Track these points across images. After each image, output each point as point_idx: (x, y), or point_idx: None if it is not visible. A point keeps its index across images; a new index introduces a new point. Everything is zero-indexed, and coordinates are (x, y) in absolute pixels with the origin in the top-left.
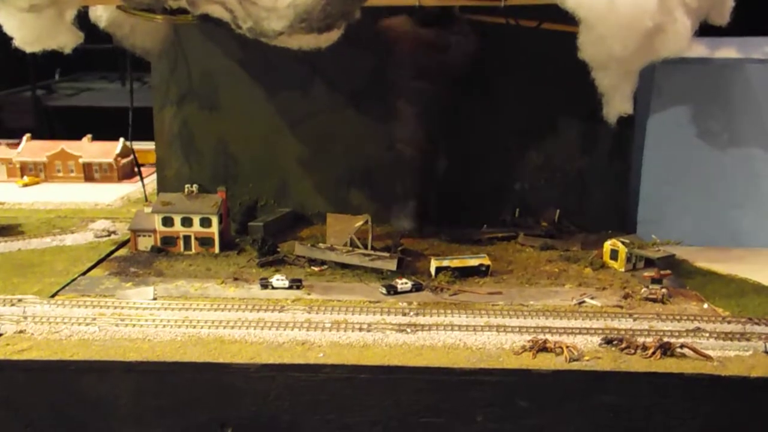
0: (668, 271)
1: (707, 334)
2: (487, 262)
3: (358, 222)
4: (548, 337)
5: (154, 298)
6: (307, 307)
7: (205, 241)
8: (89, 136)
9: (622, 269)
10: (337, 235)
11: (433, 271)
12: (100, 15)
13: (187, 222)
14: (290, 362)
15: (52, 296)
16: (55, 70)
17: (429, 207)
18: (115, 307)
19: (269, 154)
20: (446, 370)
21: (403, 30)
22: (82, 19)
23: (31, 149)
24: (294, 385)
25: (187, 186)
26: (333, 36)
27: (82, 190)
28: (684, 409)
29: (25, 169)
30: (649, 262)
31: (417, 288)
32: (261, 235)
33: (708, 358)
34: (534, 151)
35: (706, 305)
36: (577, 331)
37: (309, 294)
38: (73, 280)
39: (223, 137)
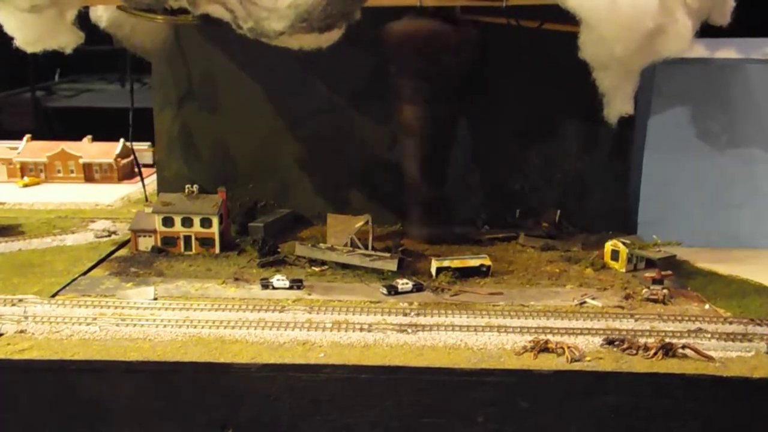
0: (669, 272)
1: (709, 335)
2: (487, 262)
3: (359, 222)
4: (549, 337)
5: (155, 298)
6: (307, 307)
7: (206, 242)
8: (89, 136)
9: (623, 270)
10: (337, 235)
11: (433, 271)
12: (101, 15)
13: (187, 222)
14: (291, 362)
15: (53, 296)
16: (54, 71)
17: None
18: (116, 307)
19: (269, 154)
20: (447, 371)
21: (406, 32)
22: (82, 21)
23: (32, 150)
24: (295, 385)
25: (187, 186)
26: (334, 36)
27: (82, 190)
28: (686, 410)
29: (25, 169)
30: (650, 263)
31: (418, 288)
32: (261, 236)
33: (710, 358)
34: (534, 151)
35: (707, 306)
36: (579, 331)
37: (310, 294)
38: (74, 280)
39: (224, 138)
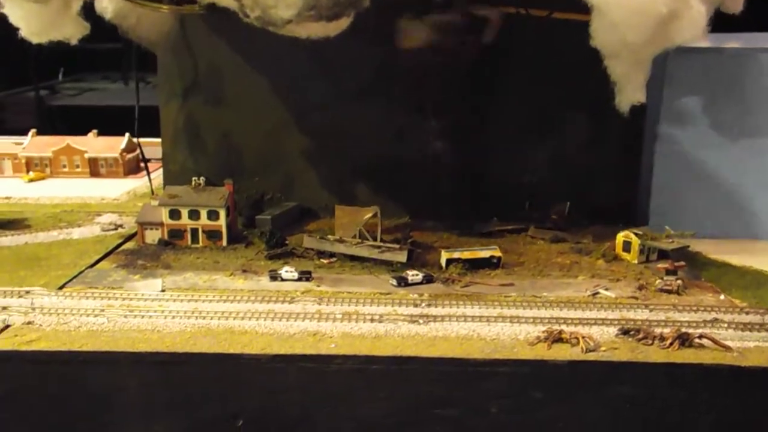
0: (682, 263)
1: (725, 325)
2: (498, 253)
3: (367, 214)
4: (563, 327)
5: (163, 290)
6: (317, 299)
7: (213, 234)
8: (95, 131)
9: (635, 261)
10: (345, 227)
11: (443, 263)
12: (106, 6)
13: (194, 215)
14: (302, 353)
15: (60, 288)
16: (58, 70)
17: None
18: (124, 299)
19: (276, 147)
20: (460, 361)
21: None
22: (86, 18)
23: (37, 145)
24: (305, 376)
25: (194, 179)
26: (342, 24)
27: (87, 185)
28: (702, 401)
29: (30, 164)
30: (663, 254)
31: (428, 280)
32: (269, 228)
33: (727, 348)
34: (544, 143)
35: (722, 296)
36: (593, 321)
37: (319, 286)
38: (81, 272)
39: (229, 130)
